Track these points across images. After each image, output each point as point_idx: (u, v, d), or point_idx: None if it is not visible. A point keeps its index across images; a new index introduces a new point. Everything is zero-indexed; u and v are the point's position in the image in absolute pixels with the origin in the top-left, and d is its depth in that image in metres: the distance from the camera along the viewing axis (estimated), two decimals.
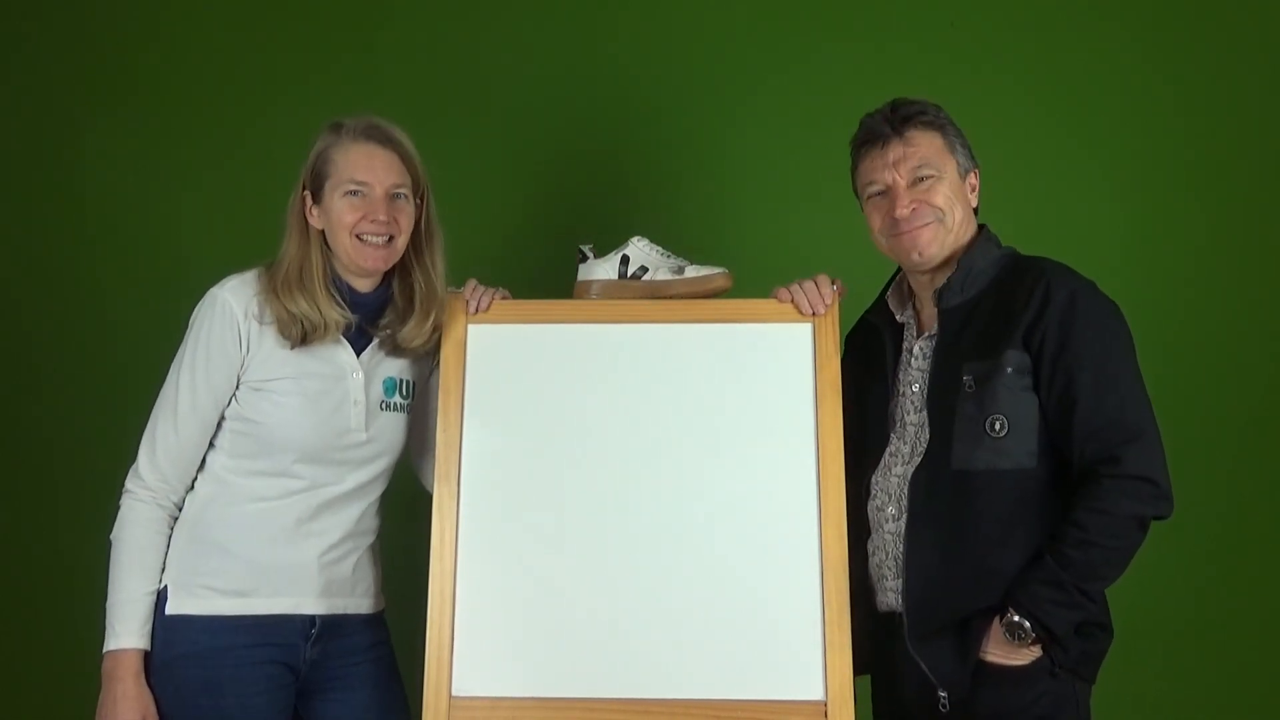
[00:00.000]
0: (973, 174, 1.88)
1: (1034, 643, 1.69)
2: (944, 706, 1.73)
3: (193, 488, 1.85)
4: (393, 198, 1.86)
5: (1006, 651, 1.70)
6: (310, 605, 1.85)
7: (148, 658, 1.78)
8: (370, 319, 1.91)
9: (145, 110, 2.68)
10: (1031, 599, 1.68)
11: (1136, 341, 1.77)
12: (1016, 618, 1.68)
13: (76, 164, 2.66)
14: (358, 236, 1.84)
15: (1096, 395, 1.69)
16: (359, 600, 1.91)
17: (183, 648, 1.76)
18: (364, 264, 1.86)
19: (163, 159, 2.66)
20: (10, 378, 2.63)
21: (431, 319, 1.91)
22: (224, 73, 2.67)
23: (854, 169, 1.92)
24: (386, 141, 1.87)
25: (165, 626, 1.78)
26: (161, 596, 1.79)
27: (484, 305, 1.93)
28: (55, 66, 2.68)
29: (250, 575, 1.80)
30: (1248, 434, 2.50)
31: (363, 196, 1.84)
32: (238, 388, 1.84)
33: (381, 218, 1.84)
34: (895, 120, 1.84)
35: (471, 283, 1.96)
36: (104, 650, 1.78)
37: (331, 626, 1.87)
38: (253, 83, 2.66)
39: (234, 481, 1.84)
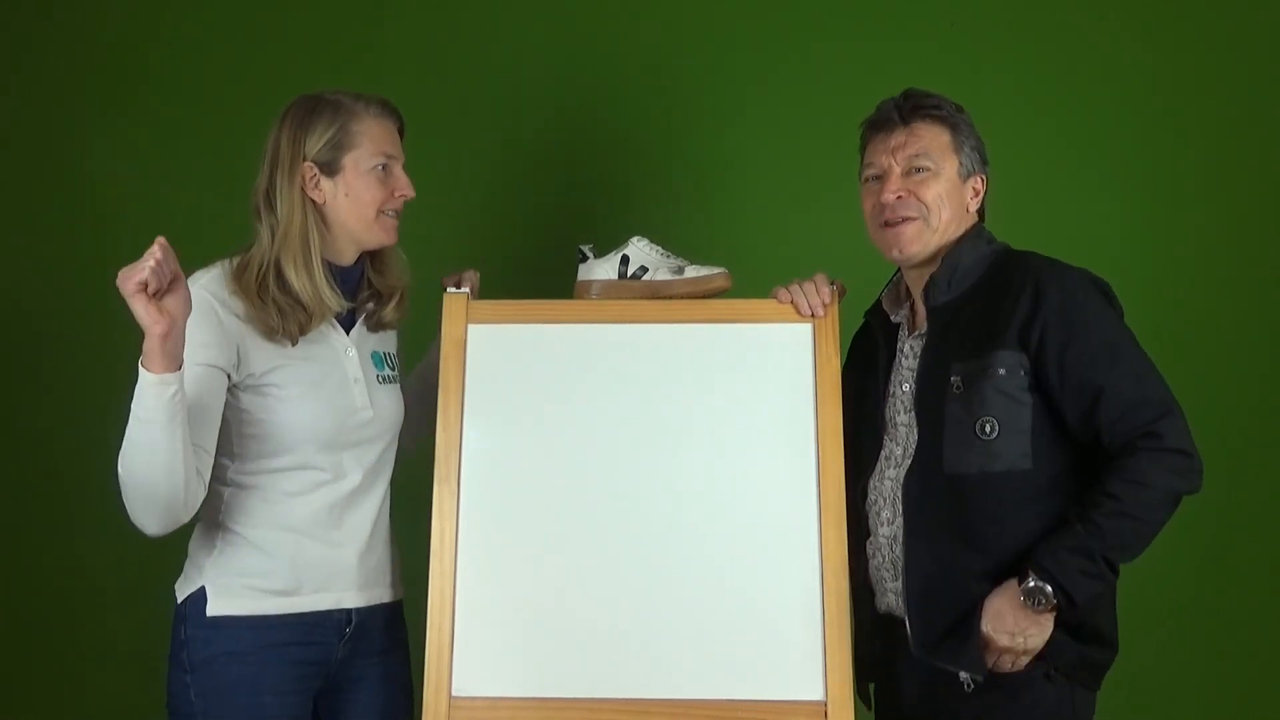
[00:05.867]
0: (977, 178, 1.86)
1: (1051, 609, 1.65)
2: (969, 686, 1.71)
3: (219, 494, 1.81)
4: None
5: (1002, 624, 1.67)
6: (350, 599, 1.85)
7: (184, 652, 1.76)
8: (351, 294, 1.91)
9: (148, 110, 2.68)
10: (1058, 564, 1.65)
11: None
12: (1036, 582, 1.65)
13: (79, 163, 2.66)
14: (381, 212, 1.86)
15: (1119, 377, 1.68)
16: (385, 590, 1.91)
17: (225, 645, 1.75)
18: (384, 239, 1.89)
19: (165, 159, 2.66)
20: (12, 377, 2.63)
21: (399, 292, 1.96)
22: (227, 72, 2.67)
23: (860, 150, 1.92)
24: (397, 116, 1.92)
25: (207, 626, 1.76)
26: (201, 598, 1.77)
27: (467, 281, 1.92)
28: (59, 66, 2.68)
29: (292, 573, 1.79)
30: (1248, 433, 2.49)
31: (389, 172, 1.87)
32: (236, 385, 1.78)
33: (410, 192, 1.88)
34: (906, 109, 1.84)
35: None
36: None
37: (364, 622, 1.86)
38: (256, 83, 2.66)
39: (257, 484, 1.81)
